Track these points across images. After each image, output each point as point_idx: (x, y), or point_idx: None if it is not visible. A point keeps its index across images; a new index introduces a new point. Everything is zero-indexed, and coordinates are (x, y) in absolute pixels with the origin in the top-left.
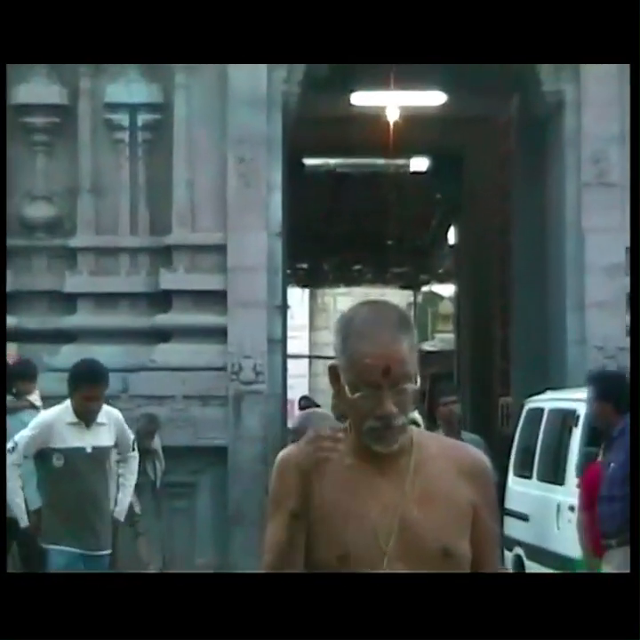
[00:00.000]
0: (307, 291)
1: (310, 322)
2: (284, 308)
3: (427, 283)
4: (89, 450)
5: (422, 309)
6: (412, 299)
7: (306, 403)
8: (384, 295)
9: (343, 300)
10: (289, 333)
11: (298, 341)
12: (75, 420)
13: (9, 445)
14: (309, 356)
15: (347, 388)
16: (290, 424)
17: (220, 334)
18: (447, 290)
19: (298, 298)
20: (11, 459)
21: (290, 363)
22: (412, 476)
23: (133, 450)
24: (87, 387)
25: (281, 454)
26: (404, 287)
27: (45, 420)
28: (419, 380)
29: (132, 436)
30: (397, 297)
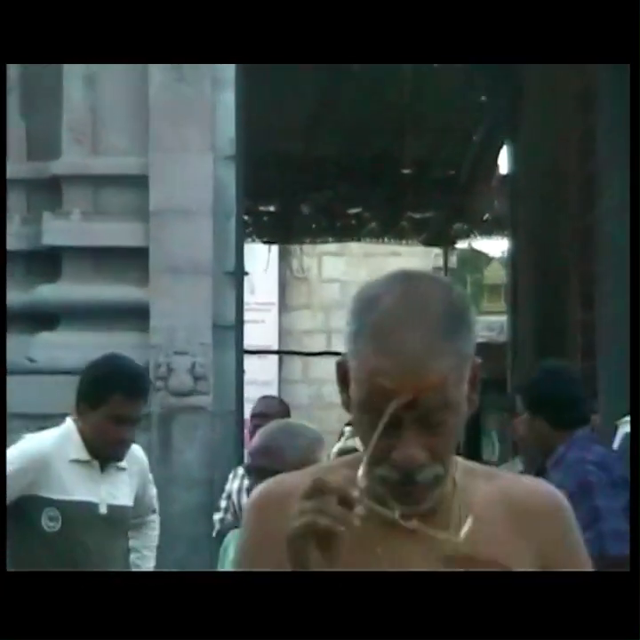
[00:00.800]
0: (275, 249)
1: (281, 298)
2: (239, 275)
3: (464, 236)
4: (104, 509)
5: (458, 278)
6: (441, 261)
7: (266, 405)
8: (398, 255)
9: (332, 262)
10: (247, 316)
11: (261, 328)
12: (85, 456)
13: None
14: (279, 352)
15: (357, 408)
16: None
17: (137, 317)
18: (497, 247)
19: (261, 260)
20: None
21: (249, 361)
22: (453, 535)
23: (154, 511)
24: (124, 401)
25: (260, 490)
26: (428, 242)
27: (36, 450)
28: (475, 402)
29: (155, 491)
30: (419, 258)
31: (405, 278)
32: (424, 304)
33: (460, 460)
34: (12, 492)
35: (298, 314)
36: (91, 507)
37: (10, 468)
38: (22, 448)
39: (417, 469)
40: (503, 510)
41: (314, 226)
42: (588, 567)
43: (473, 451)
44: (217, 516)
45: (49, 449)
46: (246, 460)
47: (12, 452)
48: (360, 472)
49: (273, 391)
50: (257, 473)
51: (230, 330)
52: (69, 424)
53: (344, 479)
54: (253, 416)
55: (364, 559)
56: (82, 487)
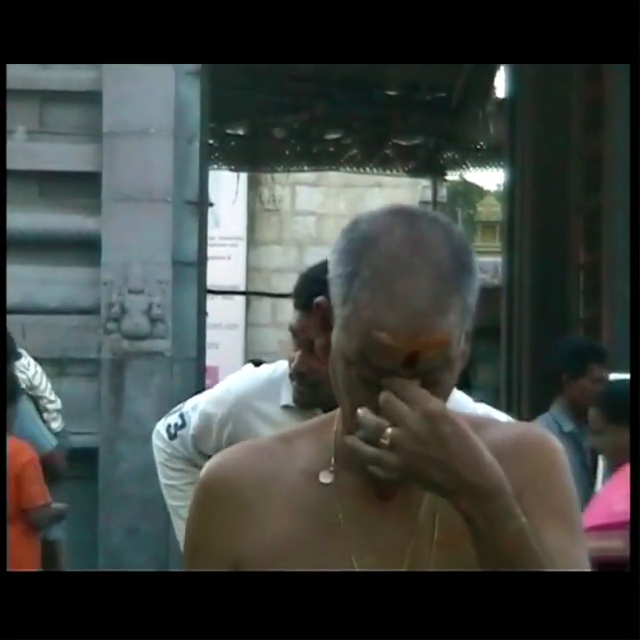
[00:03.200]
0: (243, 177)
1: (249, 232)
2: (202, 205)
3: (456, 166)
4: None
5: (449, 211)
6: (429, 194)
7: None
8: (381, 186)
9: (308, 193)
10: (211, 251)
11: (226, 265)
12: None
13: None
14: (246, 293)
15: (340, 359)
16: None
17: (88, 250)
18: (492, 179)
19: (227, 189)
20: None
21: (213, 302)
22: (430, 503)
23: None
24: None
25: (206, 468)
26: (414, 173)
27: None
28: (467, 354)
29: None
30: (404, 190)
31: (405, 217)
32: (428, 249)
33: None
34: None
35: (267, 250)
36: None
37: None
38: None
39: None
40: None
41: (287, 152)
42: (564, 517)
43: None
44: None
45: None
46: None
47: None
48: (335, 431)
49: (239, 336)
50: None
51: (192, 266)
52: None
53: (311, 447)
54: None
55: (323, 530)
56: None
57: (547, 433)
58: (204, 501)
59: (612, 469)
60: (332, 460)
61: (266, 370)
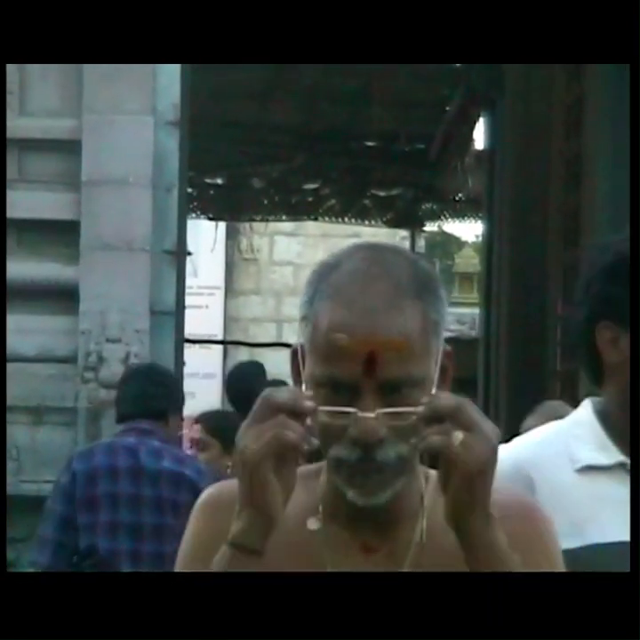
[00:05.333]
0: (222, 226)
1: (227, 281)
2: (181, 255)
3: (434, 217)
4: None
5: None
6: (407, 245)
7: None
8: (359, 237)
9: (286, 243)
10: (189, 300)
11: (204, 314)
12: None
13: None
14: (224, 342)
15: (309, 381)
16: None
17: (65, 298)
18: (470, 231)
19: (206, 239)
20: None
21: (190, 352)
22: (415, 555)
23: None
24: None
25: (206, 493)
26: (393, 224)
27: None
28: (447, 384)
29: None
30: (383, 240)
31: (369, 245)
32: (388, 264)
33: (432, 473)
34: None
35: (245, 299)
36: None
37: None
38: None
39: (376, 444)
40: None
41: (266, 202)
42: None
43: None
44: None
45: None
46: None
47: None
48: (321, 480)
49: (216, 384)
50: None
51: (169, 316)
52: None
53: (298, 494)
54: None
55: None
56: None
57: (535, 502)
58: (200, 518)
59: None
60: (320, 508)
61: None
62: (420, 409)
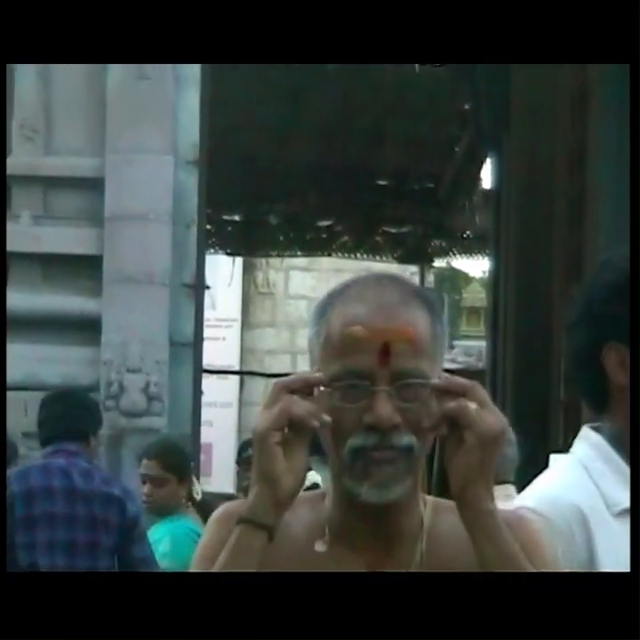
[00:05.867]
0: (239, 262)
1: (243, 314)
2: (199, 289)
3: (443, 254)
4: None
5: (435, 297)
6: (417, 280)
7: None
8: (370, 271)
9: (301, 277)
10: (207, 332)
11: (221, 346)
12: None
13: None
14: (241, 372)
15: (326, 401)
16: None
17: (88, 330)
18: (478, 267)
19: (224, 273)
20: None
21: (208, 381)
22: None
23: None
24: None
25: (220, 509)
26: (403, 260)
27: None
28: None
29: None
30: None
31: (374, 274)
32: (395, 279)
33: (429, 498)
34: None
35: (261, 332)
36: None
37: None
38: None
39: (392, 430)
40: (467, 544)
41: (281, 238)
42: None
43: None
44: None
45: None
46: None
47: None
48: (326, 504)
49: (233, 414)
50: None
51: (188, 347)
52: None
53: (306, 517)
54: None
55: None
56: None
57: (529, 514)
58: (211, 530)
59: None
60: (326, 529)
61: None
62: (437, 381)
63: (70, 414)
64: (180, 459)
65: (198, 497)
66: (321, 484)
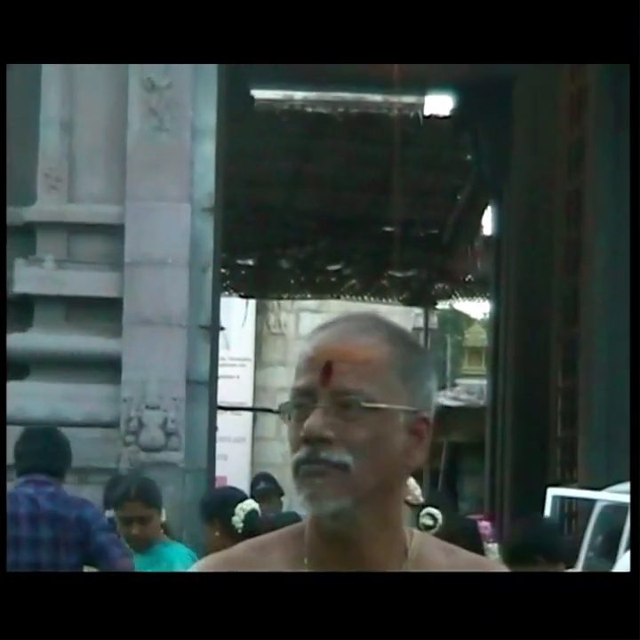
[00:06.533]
0: (252, 304)
1: (256, 353)
2: (214, 330)
3: (446, 296)
4: None
5: (438, 338)
6: (421, 321)
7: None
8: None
9: (311, 319)
10: (221, 371)
11: (235, 384)
12: None
13: None
14: (254, 409)
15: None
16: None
17: (109, 369)
18: (479, 309)
19: (238, 314)
20: None
21: (223, 418)
22: None
23: None
24: None
25: (206, 558)
26: (409, 302)
27: None
28: (416, 459)
29: None
30: (398, 317)
31: (354, 312)
32: (359, 317)
33: (418, 532)
34: None
35: (273, 370)
36: None
37: None
38: None
39: (321, 444)
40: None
41: (292, 281)
42: None
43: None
44: None
45: None
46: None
47: None
48: (305, 534)
49: (246, 448)
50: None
51: (204, 385)
52: None
53: (288, 550)
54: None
55: None
56: None
57: (502, 565)
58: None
59: None
60: (305, 560)
61: None
62: (385, 406)
63: (48, 451)
64: (156, 491)
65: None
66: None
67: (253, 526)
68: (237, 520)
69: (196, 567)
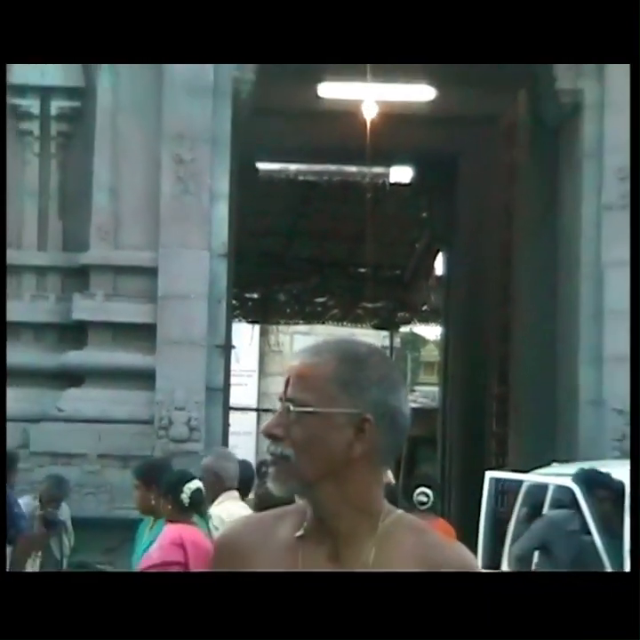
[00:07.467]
0: (257, 327)
1: (260, 366)
2: (227, 348)
3: (407, 322)
4: None
5: (401, 354)
6: (388, 341)
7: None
8: (353, 336)
9: (302, 340)
10: (233, 380)
11: (243, 390)
12: None
13: None
14: (258, 409)
15: None
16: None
17: (146, 379)
18: (432, 332)
19: (245, 336)
20: None
21: (233, 416)
22: (363, 562)
23: None
24: None
25: (223, 531)
26: (378, 327)
27: None
28: (355, 449)
29: None
30: (370, 339)
31: (332, 337)
32: (324, 344)
33: (400, 512)
34: None
35: (273, 379)
36: None
37: None
38: None
39: (272, 439)
40: (419, 560)
41: (288, 310)
42: None
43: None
44: None
45: None
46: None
47: None
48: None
49: (252, 440)
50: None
51: (219, 391)
52: None
53: (296, 518)
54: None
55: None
56: None
57: (472, 558)
58: (217, 553)
59: None
60: (304, 525)
61: None
62: (321, 409)
63: None
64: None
65: None
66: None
67: (197, 501)
68: (185, 497)
69: (235, 521)
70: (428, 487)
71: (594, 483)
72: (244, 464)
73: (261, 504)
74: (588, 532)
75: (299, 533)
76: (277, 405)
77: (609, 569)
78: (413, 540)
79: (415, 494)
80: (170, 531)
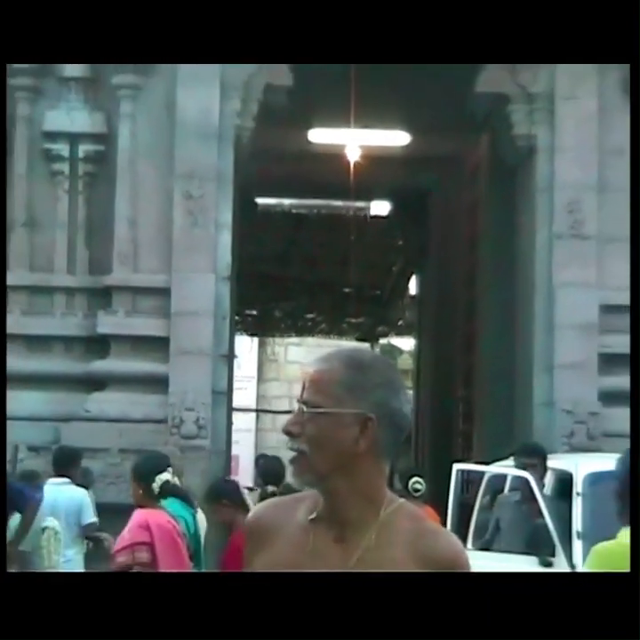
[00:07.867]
0: (255, 339)
1: (258, 373)
2: (230, 357)
3: (385, 335)
4: None
5: None
6: None
7: (265, 462)
8: (338, 347)
9: (294, 350)
10: (235, 385)
11: (244, 393)
12: None
13: None
14: (257, 410)
15: None
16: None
17: (160, 384)
18: (407, 344)
19: (246, 347)
20: None
21: (235, 416)
22: (363, 552)
23: None
24: None
25: (251, 512)
26: (360, 339)
27: None
28: (359, 444)
29: None
30: None
31: (342, 347)
32: (337, 352)
33: (402, 501)
34: None
35: (270, 384)
36: None
37: None
38: None
39: (291, 437)
40: (412, 546)
41: (282, 325)
42: None
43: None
44: None
45: None
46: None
47: None
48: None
49: (251, 437)
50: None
51: (223, 394)
52: None
53: (312, 503)
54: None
55: (297, 552)
56: None
57: (462, 552)
58: (247, 532)
59: None
60: (315, 513)
61: None
62: (329, 410)
63: None
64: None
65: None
66: None
67: (165, 490)
68: (156, 486)
69: (262, 504)
70: (421, 476)
71: (521, 451)
72: (275, 460)
73: (263, 494)
74: (542, 515)
75: (311, 516)
76: (294, 406)
77: (559, 548)
78: (410, 526)
79: (411, 483)
80: (138, 514)
